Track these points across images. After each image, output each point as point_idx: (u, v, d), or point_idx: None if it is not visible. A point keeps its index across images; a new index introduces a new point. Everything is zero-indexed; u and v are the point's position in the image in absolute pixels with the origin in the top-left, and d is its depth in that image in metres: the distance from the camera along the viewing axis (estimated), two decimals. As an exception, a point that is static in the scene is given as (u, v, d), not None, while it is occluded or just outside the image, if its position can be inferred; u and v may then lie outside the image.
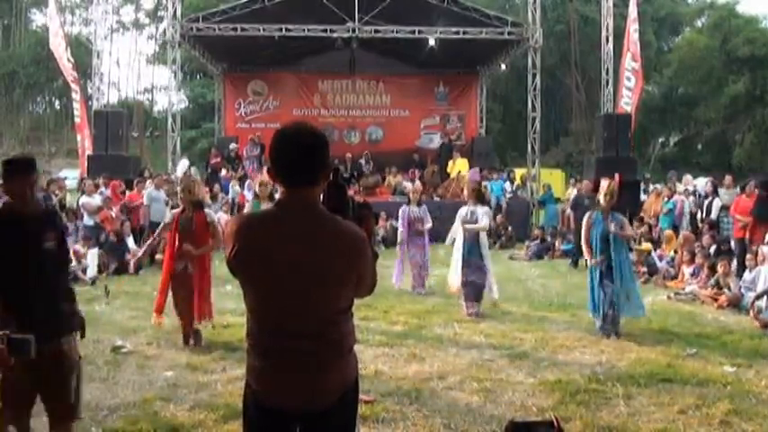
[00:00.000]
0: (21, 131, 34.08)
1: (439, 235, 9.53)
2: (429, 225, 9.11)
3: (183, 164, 15.95)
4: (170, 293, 6.37)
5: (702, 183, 13.45)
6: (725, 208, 11.61)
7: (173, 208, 8.25)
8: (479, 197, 8.17)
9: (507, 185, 17.00)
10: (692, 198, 13.02)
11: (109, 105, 18.89)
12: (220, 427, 4.15)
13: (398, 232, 9.43)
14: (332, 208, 2.09)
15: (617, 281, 6.60)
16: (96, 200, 11.80)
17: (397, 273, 9.11)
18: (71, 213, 11.71)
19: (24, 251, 3.03)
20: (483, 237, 7.86)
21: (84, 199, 11.89)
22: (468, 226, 7.75)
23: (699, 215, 12.68)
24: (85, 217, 11.60)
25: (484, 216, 7.87)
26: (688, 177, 14.03)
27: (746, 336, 6.75)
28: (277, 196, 2.21)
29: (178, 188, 7.97)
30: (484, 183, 14.98)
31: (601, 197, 6.85)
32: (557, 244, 13.63)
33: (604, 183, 7.03)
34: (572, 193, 14.62)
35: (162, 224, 6.71)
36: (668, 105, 32.71)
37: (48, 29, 22.12)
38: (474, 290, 7.64)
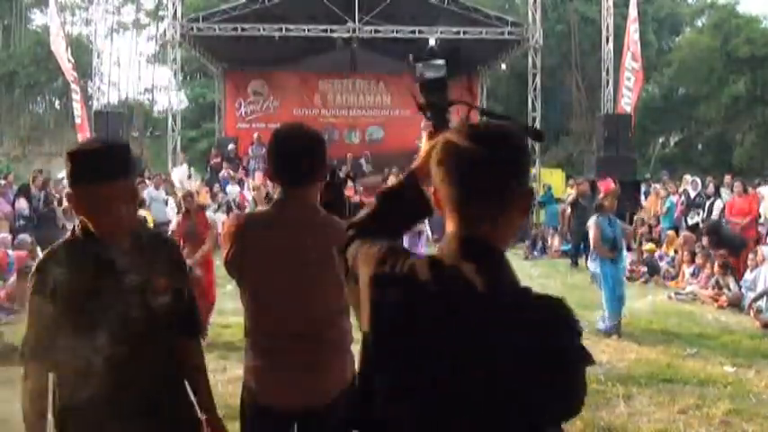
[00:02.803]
0: (21, 131, 34.07)
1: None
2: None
3: (182, 171, 15.66)
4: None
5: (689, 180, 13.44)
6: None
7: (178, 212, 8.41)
8: None
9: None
10: (682, 198, 13.00)
11: (109, 105, 18.92)
12: (220, 427, 4.14)
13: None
14: (329, 208, 2.10)
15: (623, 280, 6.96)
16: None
17: None
18: (69, 212, 11.77)
19: (113, 313, 1.71)
20: None
21: None
22: None
23: (691, 215, 12.64)
24: None
25: None
26: (687, 178, 14.01)
27: (746, 336, 6.75)
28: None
29: (179, 194, 8.11)
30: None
31: (606, 201, 6.92)
32: (555, 243, 13.65)
33: (603, 186, 7.11)
34: (570, 193, 14.61)
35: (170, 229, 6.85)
36: (668, 105, 32.67)
37: (48, 29, 22.14)
38: None
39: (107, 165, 1.69)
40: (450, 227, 1.23)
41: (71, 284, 1.69)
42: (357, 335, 2.50)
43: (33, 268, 1.81)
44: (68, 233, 1.84)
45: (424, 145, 1.47)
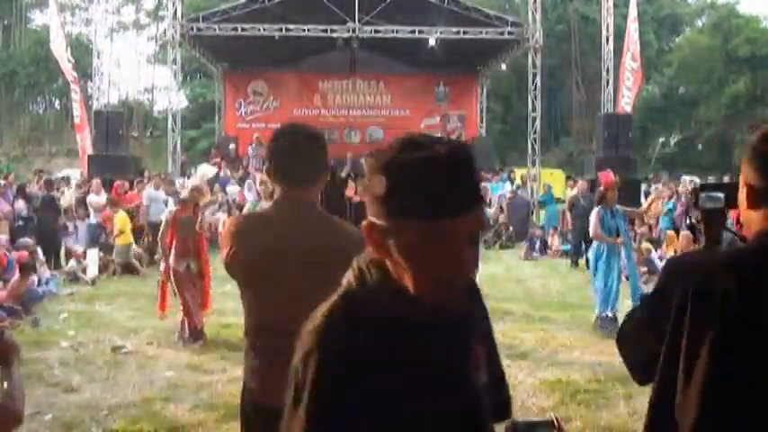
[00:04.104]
0: (21, 131, 34.09)
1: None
2: None
3: (209, 169, 15.52)
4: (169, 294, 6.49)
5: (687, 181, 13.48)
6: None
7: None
8: None
9: (507, 185, 17.01)
10: (682, 198, 13.01)
11: (109, 105, 18.85)
12: (221, 427, 4.15)
13: None
14: (329, 208, 2.11)
15: (628, 264, 7.17)
16: (102, 198, 11.93)
17: None
18: (70, 212, 11.78)
19: (434, 398, 1.07)
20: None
21: (91, 197, 12.06)
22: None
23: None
24: (92, 215, 11.74)
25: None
26: (685, 178, 14.02)
27: (746, 336, 6.75)
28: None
29: (189, 187, 7.93)
30: (483, 183, 15.01)
31: (608, 193, 7.04)
32: (554, 243, 13.66)
33: (603, 177, 7.29)
34: (570, 193, 14.63)
35: (164, 223, 6.70)
36: (668, 105, 32.71)
37: (48, 29, 22.13)
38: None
39: (459, 187, 1.02)
40: (762, 222, 1.32)
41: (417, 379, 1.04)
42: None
43: (298, 363, 1.14)
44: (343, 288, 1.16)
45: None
